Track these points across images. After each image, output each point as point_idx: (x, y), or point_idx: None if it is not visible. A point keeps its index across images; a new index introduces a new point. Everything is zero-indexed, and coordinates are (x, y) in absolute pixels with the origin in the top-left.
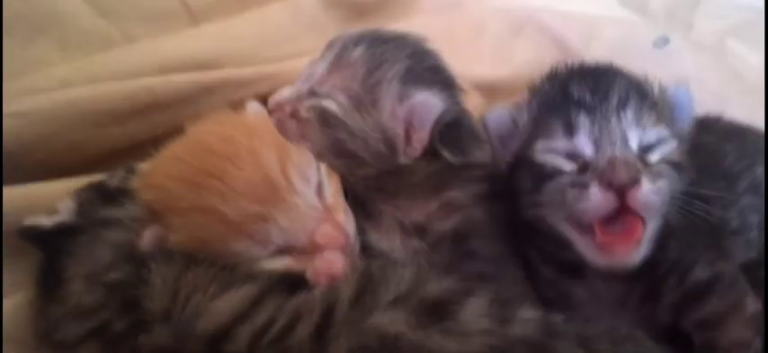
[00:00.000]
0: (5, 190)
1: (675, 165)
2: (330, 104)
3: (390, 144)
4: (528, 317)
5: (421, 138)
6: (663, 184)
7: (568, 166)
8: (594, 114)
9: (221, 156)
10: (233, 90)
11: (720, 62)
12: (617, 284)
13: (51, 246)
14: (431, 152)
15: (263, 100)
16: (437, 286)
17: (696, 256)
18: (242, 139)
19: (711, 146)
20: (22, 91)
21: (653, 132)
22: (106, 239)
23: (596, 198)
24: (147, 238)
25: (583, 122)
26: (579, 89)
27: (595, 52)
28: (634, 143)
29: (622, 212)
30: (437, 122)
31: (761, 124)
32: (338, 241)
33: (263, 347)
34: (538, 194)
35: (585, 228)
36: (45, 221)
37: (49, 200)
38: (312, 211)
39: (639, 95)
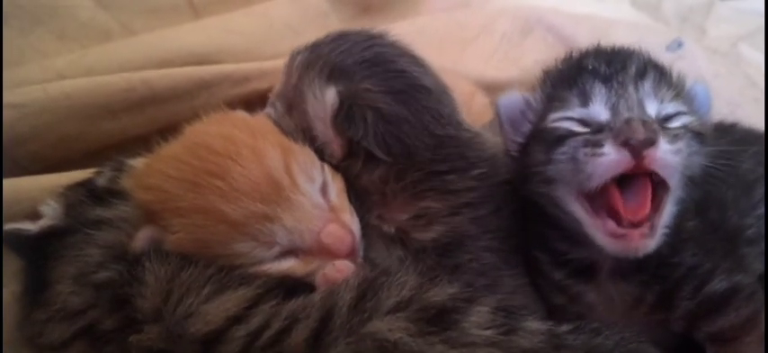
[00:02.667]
0: None
1: (696, 133)
2: (270, 110)
3: (318, 146)
4: (534, 328)
5: (327, 136)
6: (682, 145)
7: (582, 129)
8: (611, 83)
9: (223, 155)
10: (231, 85)
11: (733, 67)
12: (629, 286)
13: (35, 251)
14: (367, 154)
15: (261, 96)
16: (440, 294)
17: (714, 265)
18: (244, 137)
19: (727, 152)
20: (16, 82)
21: (671, 105)
22: (95, 239)
23: (611, 155)
24: (141, 238)
25: (598, 90)
26: (595, 62)
27: None
28: (651, 111)
29: (636, 184)
30: (335, 117)
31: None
32: (345, 242)
33: (257, 350)
34: (549, 166)
35: (597, 208)
36: (29, 226)
37: (39, 194)
38: (317, 210)
39: (658, 70)
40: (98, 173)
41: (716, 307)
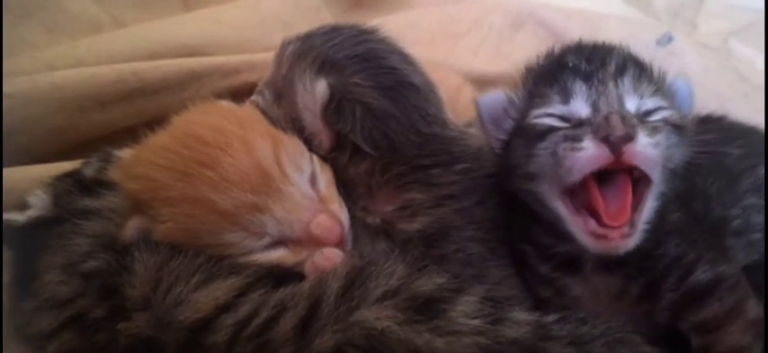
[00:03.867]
0: None
1: (676, 126)
2: (258, 98)
3: (306, 136)
4: (520, 318)
5: (316, 127)
6: (661, 138)
7: (562, 125)
8: (591, 80)
9: (213, 145)
10: (221, 77)
11: (724, 62)
12: (614, 279)
13: (22, 241)
14: (353, 147)
15: (251, 89)
16: (428, 283)
17: (698, 255)
18: (233, 128)
19: (713, 145)
20: (6, 73)
21: (651, 101)
22: (83, 229)
23: (589, 151)
24: (131, 228)
25: (579, 87)
26: (575, 58)
27: None
28: (631, 107)
29: (617, 181)
30: (325, 110)
31: (763, 124)
32: (334, 232)
33: (245, 339)
34: (531, 161)
35: (578, 206)
36: (17, 216)
37: (28, 184)
38: (307, 201)
39: (637, 66)
40: (86, 163)
41: (700, 297)
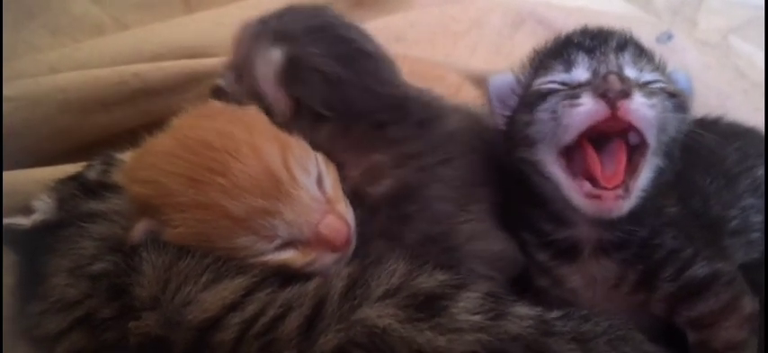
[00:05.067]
0: None
1: (672, 94)
2: (220, 81)
3: (267, 107)
4: (523, 313)
5: (274, 95)
6: (657, 101)
7: (563, 88)
8: (593, 53)
9: (221, 151)
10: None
11: (723, 59)
12: (612, 264)
13: (28, 245)
14: (313, 114)
15: None
16: (430, 281)
17: (696, 251)
18: (240, 133)
19: (711, 145)
20: (9, 76)
21: (650, 75)
22: (89, 232)
23: (587, 105)
24: (139, 230)
25: (581, 58)
26: (579, 36)
27: None
28: (630, 75)
29: (613, 148)
30: (281, 76)
31: (762, 122)
32: (342, 232)
33: (251, 337)
34: (531, 124)
35: (575, 171)
36: (23, 220)
37: (32, 187)
38: (315, 203)
39: (637, 46)
40: (88, 167)
41: (696, 291)
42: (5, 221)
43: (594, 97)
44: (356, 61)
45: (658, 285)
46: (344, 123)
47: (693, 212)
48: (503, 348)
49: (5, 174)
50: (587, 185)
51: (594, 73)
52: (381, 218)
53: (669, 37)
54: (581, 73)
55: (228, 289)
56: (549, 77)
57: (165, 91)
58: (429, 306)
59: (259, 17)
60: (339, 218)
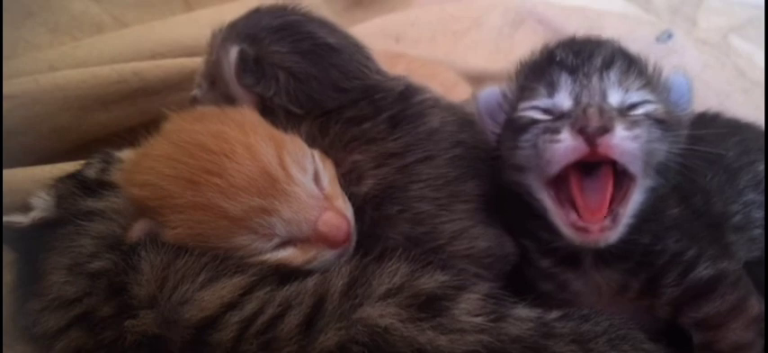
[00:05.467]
0: None
1: (659, 121)
2: (195, 91)
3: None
4: (523, 315)
5: (238, 93)
6: (641, 132)
7: (544, 118)
8: (576, 74)
9: (217, 152)
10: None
11: (723, 58)
12: (614, 274)
13: (26, 243)
14: (285, 111)
15: None
16: (431, 281)
17: (699, 252)
18: (235, 133)
19: (711, 141)
20: (8, 74)
21: (636, 94)
22: (88, 230)
23: (566, 141)
24: (138, 229)
25: (564, 81)
26: (563, 52)
27: None
28: (614, 100)
29: (601, 173)
30: (239, 73)
31: (763, 120)
32: (341, 228)
33: (250, 336)
34: (516, 153)
35: (562, 198)
36: (21, 218)
37: (31, 185)
38: (313, 200)
39: (626, 59)
40: (87, 165)
41: (702, 293)
42: (5, 218)
43: (573, 133)
44: (320, 57)
45: (662, 289)
46: (320, 122)
47: (695, 211)
48: (503, 348)
49: (5, 172)
50: (573, 216)
51: (576, 100)
52: (366, 219)
53: (669, 36)
54: (563, 99)
55: (226, 288)
56: (533, 102)
57: (165, 89)
58: (431, 306)
59: (228, 23)
60: (338, 214)
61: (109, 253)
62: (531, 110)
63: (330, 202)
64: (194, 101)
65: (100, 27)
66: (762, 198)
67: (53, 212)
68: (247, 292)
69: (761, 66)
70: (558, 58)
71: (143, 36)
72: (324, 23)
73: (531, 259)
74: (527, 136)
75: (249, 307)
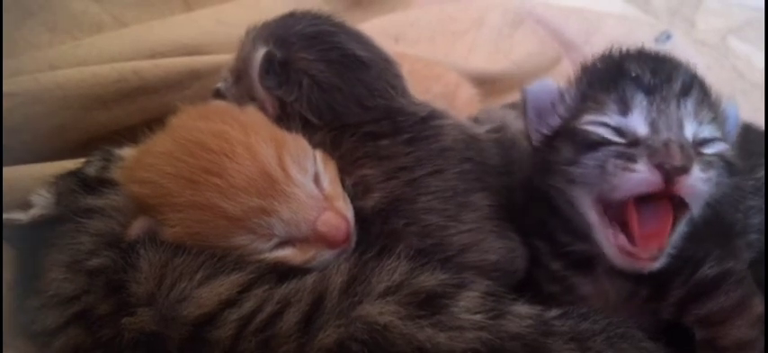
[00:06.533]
0: None
1: (728, 163)
2: (220, 84)
3: (264, 109)
4: (522, 313)
5: (259, 94)
6: (713, 175)
7: (617, 139)
8: (654, 96)
9: (217, 152)
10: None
11: (722, 60)
12: (625, 282)
13: (26, 240)
14: (303, 119)
15: None
16: (431, 279)
17: (705, 253)
18: (236, 133)
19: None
20: (8, 73)
21: (708, 129)
22: (87, 228)
23: (642, 173)
24: (137, 227)
25: (640, 101)
26: (638, 68)
27: (596, 47)
28: (689, 133)
29: (658, 201)
30: (262, 74)
31: (762, 123)
32: (340, 229)
33: (249, 334)
34: (575, 166)
35: (611, 217)
36: (21, 215)
37: (31, 183)
38: (312, 200)
39: (701, 88)
40: (87, 162)
41: (707, 291)
42: (5, 216)
43: (651, 166)
44: (348, 69)
45: (670, 292)
46: (335, 134)
47: (705, 220)
48: (502, 346)
49: (5, 169)
50: (622, 239)
51: (653, 127)
52: (374, 233)
53: (668, 37)
54: (638, 122)
55: (224, 285)
56: (603, 118)
57: (165, 88)
58: (430, 304)
59: (263, 22)
60: (337, 214)
61: (108, 250)
62: (600, 126)
63: (330, 202)
64: (217, 93)
65: (100, 26)
66: (759, 203)
67: (53, 209)
68: (246, 289)
69: (760, 67)
70: (633, 74)
71: (143, 36)
72: (358, 37)
73: (541, 261)
74: (596, 155)
75: (247, 305)
